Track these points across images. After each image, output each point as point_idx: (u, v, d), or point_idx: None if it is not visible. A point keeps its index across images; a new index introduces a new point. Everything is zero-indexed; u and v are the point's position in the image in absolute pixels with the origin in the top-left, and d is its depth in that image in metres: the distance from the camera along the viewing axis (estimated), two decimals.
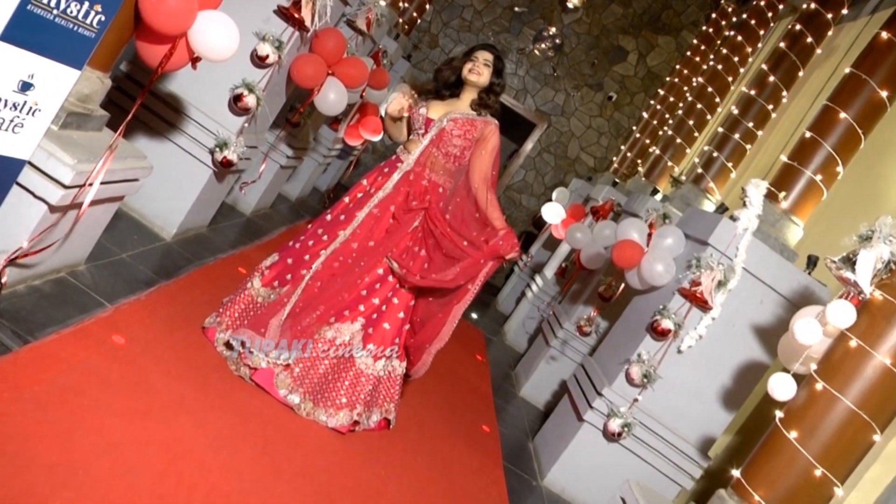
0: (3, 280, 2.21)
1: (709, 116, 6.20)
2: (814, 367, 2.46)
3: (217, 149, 3.56)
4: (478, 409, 4.08)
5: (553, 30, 8.90)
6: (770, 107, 4.96)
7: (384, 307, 2.90)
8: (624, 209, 5.52)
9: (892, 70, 3.58)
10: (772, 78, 4.91)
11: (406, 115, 3.04)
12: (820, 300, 3.28)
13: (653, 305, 3.57)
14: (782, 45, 4.92)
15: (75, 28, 1.97)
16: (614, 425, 3.41)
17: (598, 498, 3.58)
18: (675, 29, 9.07)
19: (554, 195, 6.42)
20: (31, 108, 1.98)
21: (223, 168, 3.63)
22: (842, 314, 2.37)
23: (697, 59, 7.28)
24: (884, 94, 3.58)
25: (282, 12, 3.51)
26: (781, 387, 2.49)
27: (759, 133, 5.02)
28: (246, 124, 3.65)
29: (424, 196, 2.97)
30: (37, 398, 1.94)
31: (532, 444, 4.05)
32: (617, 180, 6.83)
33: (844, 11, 4.89)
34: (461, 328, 3.08)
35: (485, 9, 9.01)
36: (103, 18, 2.02)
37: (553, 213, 5.72)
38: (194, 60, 2.42)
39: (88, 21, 1.99)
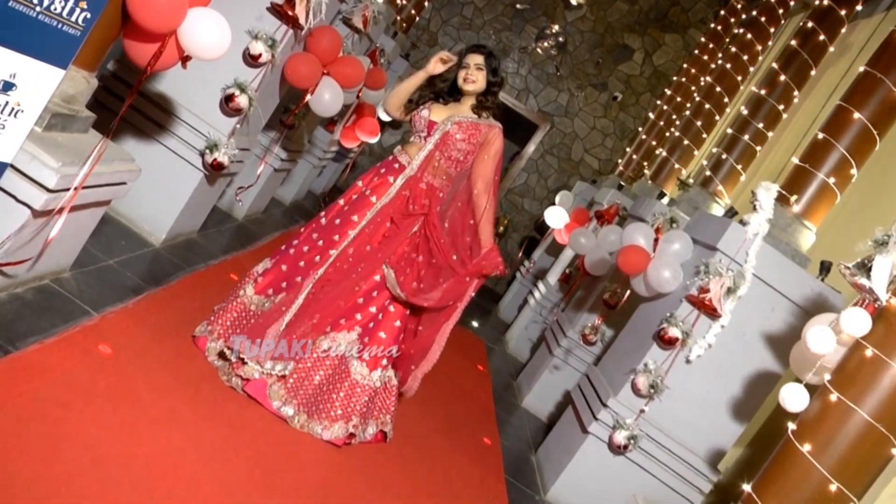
0: None
1: (717, 117, 6.13)
2: (827, 377, 2.40)
3: (207, 151, 3.51)
4: (478, 421, 4.04)
5: (556, 27, 8.82)
6: (781, 107, 4.89)
7: (381, 315, 2.86)
8: (630, 213, 5.49)
9: None
10: (783, 77, 4.82)
11: (442, 69, 2.99)
12: (834, 307, 3.23)
13: (660, 313, 3.52)
14: (794, 42, 4.84)
15: (59, 25, 1.94)
16: (620, 438, 3.35)
17: None
18: (683, 26, 8.97)
19: (557, 199, 6.42)
20: (12, 108, 1.94)
21: (214, 171, 3.58)
22: (857, 322, 2.30)
23: (705, 57, 7.21)
24: None
25: (275, 9, 3.47)
26: (793, 398, 2.43)
27: (770, 134, 4.95)
28: (238, 125, 3.60)
29: (424, 201, 2.93)
30: (18, 411, 1.91)
31: (535, 457, 4.00)
32: (622, 183, 6.80)
33: (859, 8, 4.80)
34: (461, 337, 3.06)
35: (486, 6, 8.93)
36: (89, 16, 1.98)
37: (556, 217, 5.68)
38: (184, 59, 2.39)
39: (73, 18, 1.96)
